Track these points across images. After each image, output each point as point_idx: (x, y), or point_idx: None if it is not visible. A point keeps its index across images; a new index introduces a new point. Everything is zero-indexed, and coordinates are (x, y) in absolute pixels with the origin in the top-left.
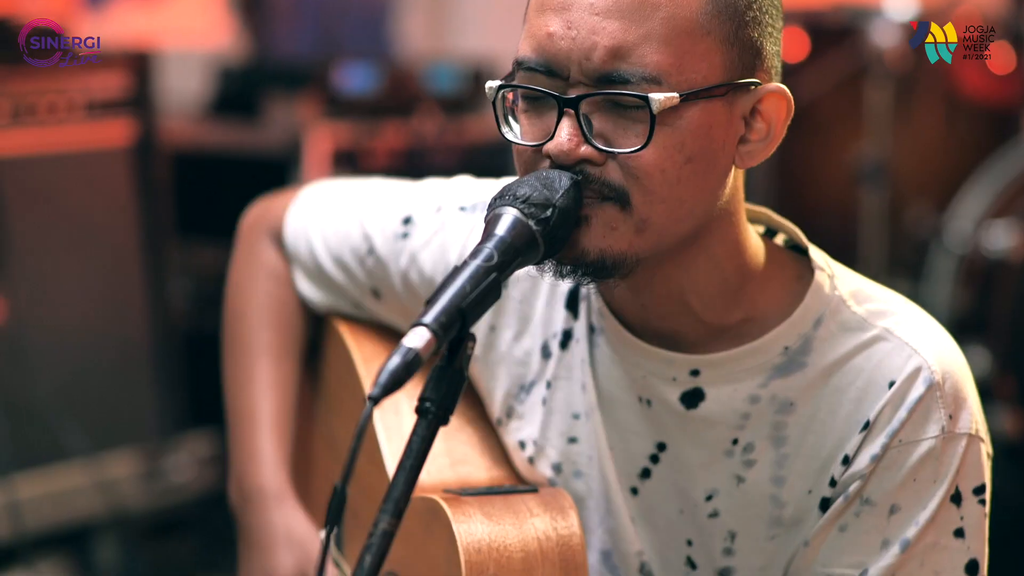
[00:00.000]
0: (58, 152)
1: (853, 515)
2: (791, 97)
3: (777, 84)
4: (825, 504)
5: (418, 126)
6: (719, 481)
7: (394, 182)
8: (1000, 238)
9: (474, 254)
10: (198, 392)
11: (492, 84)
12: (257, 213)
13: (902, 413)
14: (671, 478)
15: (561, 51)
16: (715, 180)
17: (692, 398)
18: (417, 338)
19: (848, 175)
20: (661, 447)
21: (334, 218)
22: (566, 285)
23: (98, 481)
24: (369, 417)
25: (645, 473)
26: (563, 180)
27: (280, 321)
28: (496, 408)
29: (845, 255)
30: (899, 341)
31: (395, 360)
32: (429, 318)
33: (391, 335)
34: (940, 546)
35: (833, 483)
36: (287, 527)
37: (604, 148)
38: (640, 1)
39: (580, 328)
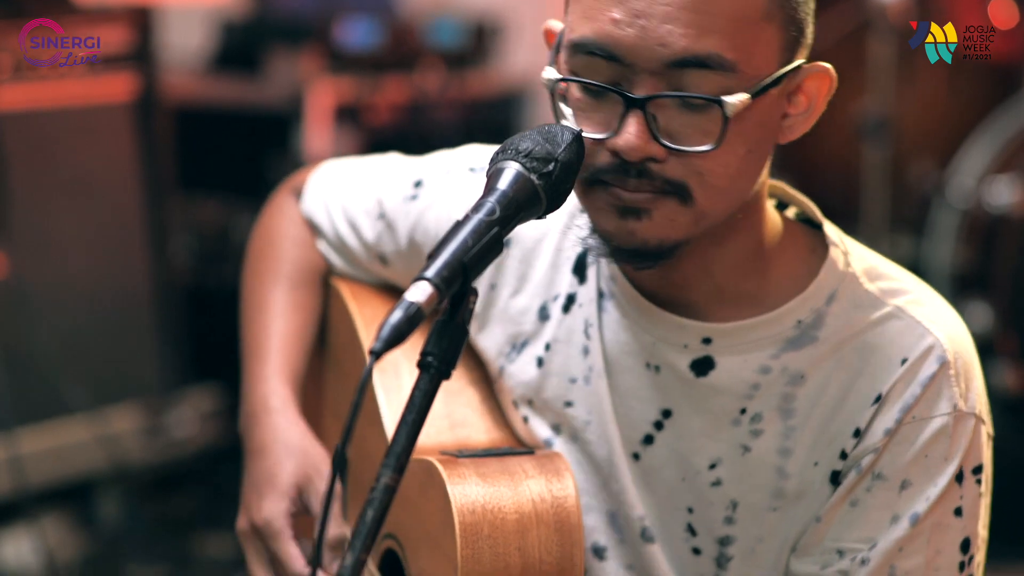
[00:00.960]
0: (60, 107)
1: (865, 490)
2: (835, 76)
3: (823, 65)
4: (835, 477)
5: (420, 81)
6: (724, 450)
7: (410, 157)
8: (1002, 194)
9: (476, 208)
10: (200, 347)
11: (551, 76)
12: (285, 185)
13: (916, 389)
14: (675, 445)
15: (627, 39)
16: (764, 162)
17: (702, 366)
18: (419, 292)
19: (850, 131)
20: (666, 414)
21: (350, 186)
22: (573, 248)
23: (100, 436)
24: (371, 371)
25: (648, 439)
26: (565, 134)
27: (300, 260)
28: (491, 366)
29: (847, 211)
30: (911, 320)
31: (397, 314)
32: (431, 272)
33: (393, 295)
34: (944, 524)
35: (844, 456)
36: (287, 435)
37: (673, 147)
38: None
39: (586, 293)
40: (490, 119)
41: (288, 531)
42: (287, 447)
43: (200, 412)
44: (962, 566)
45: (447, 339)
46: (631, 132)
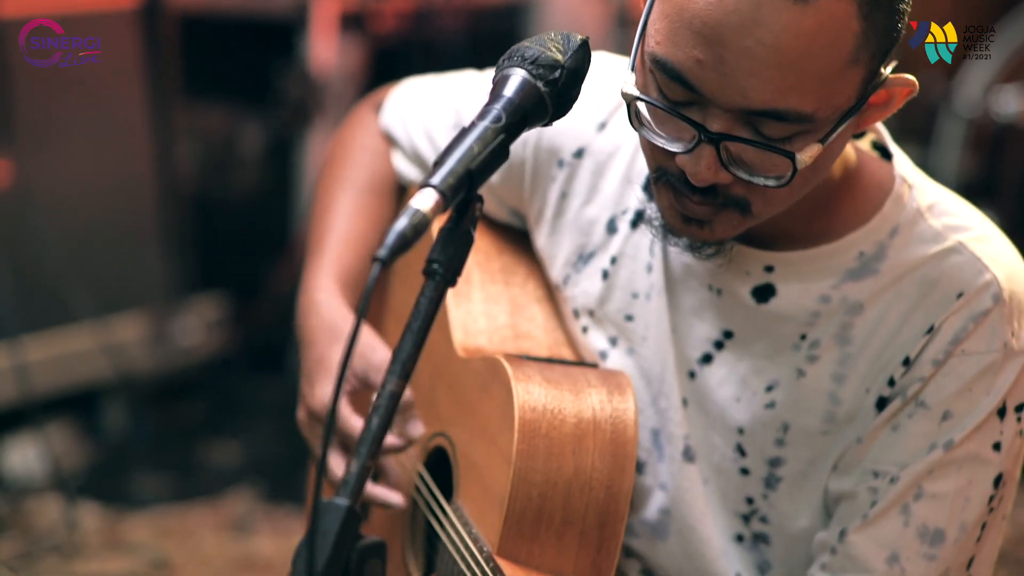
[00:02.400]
0: (65, 13)
1: (906, 416)
2: (917, 87)
3: (908, 78)
4: (881, 403)
5: None
6: (781, 374)
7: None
8: (1009, 103)
9: (482, 115)
10: (205, 255)
11: (630, 92)
12: (366, 100)
13: (968, 324)
14: (733, 366)
15: (708, 82)
16: (833, 163)
17: (763, 293)
18: (424, 199)
19: None
20: (728, 335)
21: (428, 99)
22: (645, 166)
23: (106, 344)
24: (376, 277)
25: (706, 358)
26: (572, 41)
27: (372, 169)
28: (556, 274)
29: None
30: (971, 255)
31: (402, 221)
32: (437, 179)
33: None
34: (981, 457)
35: (892, 383)
36: (332, 322)
37: (743, 178)
38: (798, 53)
39: (655, 211)
40: (496, 27)
41: (346, 408)
42: (333, 332)
43: (205, 320)
44: (991, 499)
45: (453, 246)
46: (702, 164)
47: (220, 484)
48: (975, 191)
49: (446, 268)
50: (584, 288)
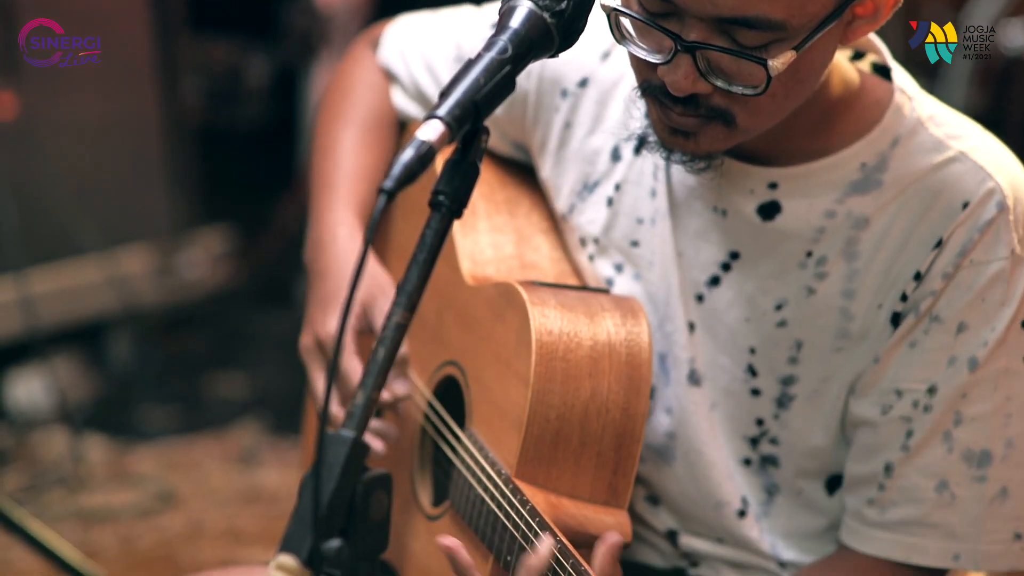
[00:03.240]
0: None
1: (922, 332)
2: None
3: None
4: (895, 318)
5: None
6: (790, 292)
7: (485, 4)
8: (1017, 36)
9: (488, 47)
10: (211, 188)
11: (610, 3)
12: (363, 37)
13: (974, 234)
14: (741, 286)
15: None
16: (823, 72)
17: (769, 210)
18: (431, 130)
19: None
20: (734, 256)
21: (427, 33)
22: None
23: (111, 277)
24: (382, 209)
25: (714, 281)
26: None
27: (373, 105)
28: (561, 204)
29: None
30: (974, 164)
31: (408, 153)
32: (443, 110)
33: None
34: (1012, 371)
35: (904, 298)
36: (352, 257)
37: (721, 87)
38: None
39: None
40: None
41: (352, 345)
42: (346, 266)
43: (211, 253)
44: None
45: (459, 178)
46: (680, 73)
47: (226, 416)
48: (981, 125)
49: (452, 200)
50: (589, 216)
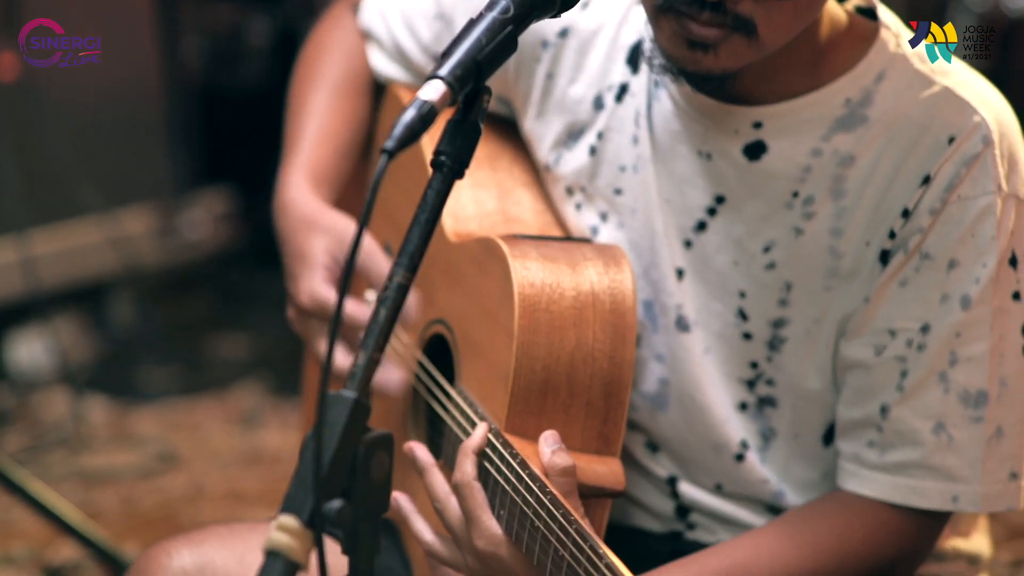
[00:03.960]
0: None
1: (913, 270)
2: None
3: None
4: (884, 256)
5: None
6: (777, 233)
7: None
8: None
9: (490, 6)
10: (213, 149)
11: None
12: (340, 1)
13: (960, 169)
14: (728, 230)
15: None
16: None
17: (754, 150)
18: (432, 91)
19: None
20: (720, 200)
21: None
22: (627, 39)
23: (113, 237)
24: (384, 170)
25: (701, 226)
26: None
27: (347, 68)
28: (545, 155)
29: None
30: (959, 99)
31: (410, 113)
32: (444, 70)
33: None
34: (1004, 310)
35: (892, 235)
36: (307, 216)
37: None
38: None
39: (639, 83)
40: None
41: (334, 294)
42: (309, 225)
43: (212, 214)
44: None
45: (460, 138)
46: None
47: (227, 377)
48: None
49: (454, 160)
50: (573, 166)
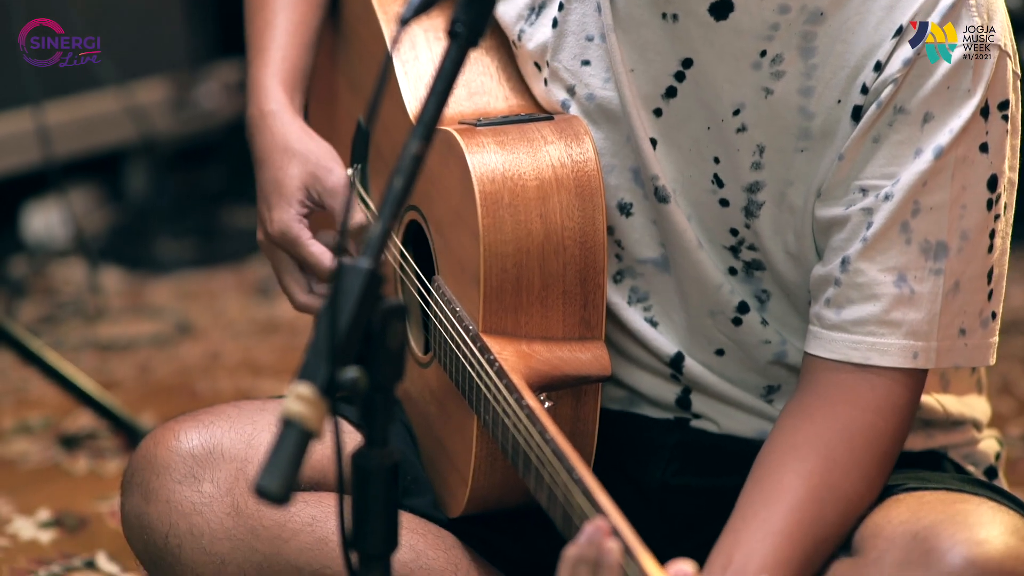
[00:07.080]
0: None
1: (886, 125)
2: None
3: None
4: (857, 112)
5: None
6: (747, 95)
7: None
8: None
9: None
10: (227, 20)
11: None
12: None
13: (935, 18)
14: (697, 95)
15: None
16: None
17: (721, 9)
18: None
19: None
20: (687, 63)
21: None
22: None
23: (128, 108)
24: (398, 39)
25: (670, 92)
26: None
27: None
28: (510, 31)
29: None
30: None
31: None
32: None
33: None
34: (969, 159)
35: (865, 90)
36: (285, 139)
37: None
38: None
39: None
40: None
41: (305, 233)
42: (286, 151)
43: (227, 85)
44: (989, 204)
45: (475, 7)
46: None
47: (243, 248)
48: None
49: (469, 28)
50: (538, 40)
